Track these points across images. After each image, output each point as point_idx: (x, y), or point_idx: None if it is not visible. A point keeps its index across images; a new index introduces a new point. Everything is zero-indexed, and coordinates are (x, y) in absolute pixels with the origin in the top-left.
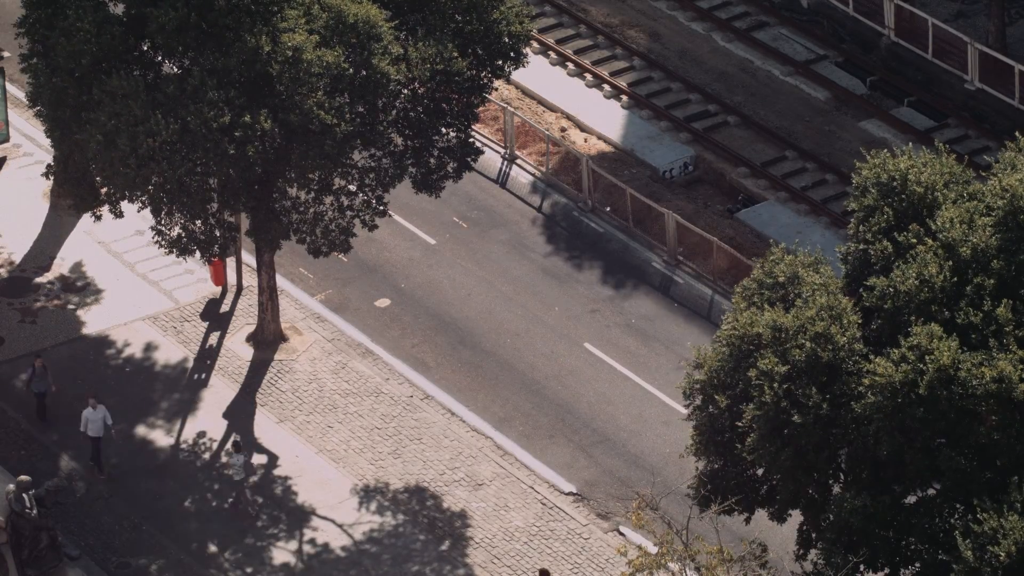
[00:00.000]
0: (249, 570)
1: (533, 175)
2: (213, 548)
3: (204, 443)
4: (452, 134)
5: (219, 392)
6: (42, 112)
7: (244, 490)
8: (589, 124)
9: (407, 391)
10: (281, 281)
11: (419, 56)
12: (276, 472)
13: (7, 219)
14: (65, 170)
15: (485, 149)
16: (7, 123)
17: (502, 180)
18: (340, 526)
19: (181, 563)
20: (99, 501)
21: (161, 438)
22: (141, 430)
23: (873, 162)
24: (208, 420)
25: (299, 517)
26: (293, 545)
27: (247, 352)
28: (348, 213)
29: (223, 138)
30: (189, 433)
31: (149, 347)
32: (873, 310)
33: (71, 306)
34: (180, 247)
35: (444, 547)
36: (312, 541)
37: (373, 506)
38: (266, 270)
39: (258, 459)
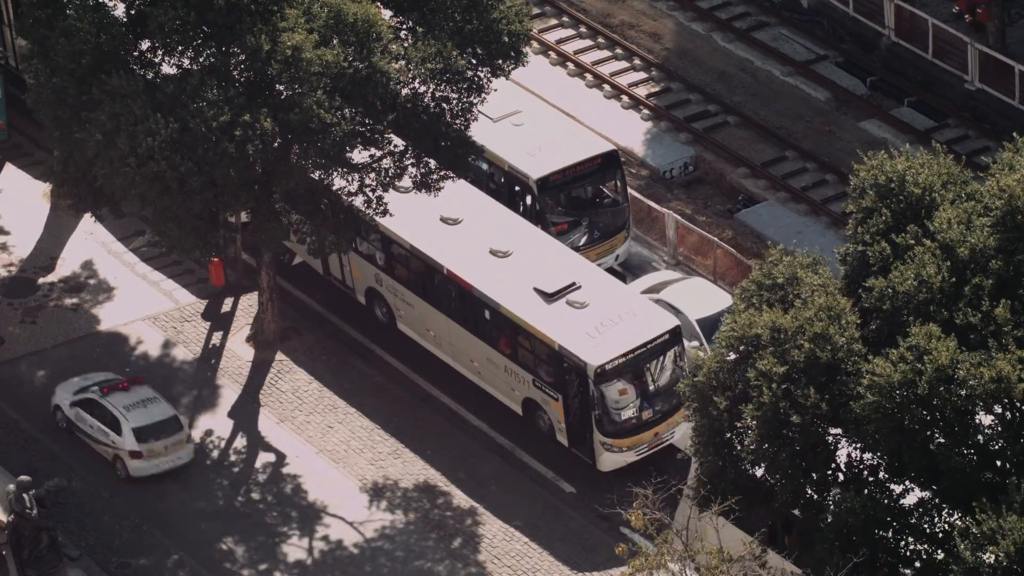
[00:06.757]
0: (263, 567)
1: None
2: (224, 547)
3: (209, 443)
4: (452, 133)
5: (220, 392)
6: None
7: None
8: (589, 124)
9: (407, 391)
10: (281, 281)
11: (419, 55)
12: (282, 471)
13: (8, 220)
14: (65, 170)
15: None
16: (7, 123)
17: None
18: (351, 524)
19: (183, 563)
20: (99, 501)
21: None
22: None
23: (871, 163)
24: (211, 420)
25: (309, 515)
26: (305, 543)
27: (248, 352)
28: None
29: (223, 137)
30: (191, 433)
31: (149, 347)
32: (872, 311)
33: (72, 306)
34: (182, 247)
35: (451, 546)
36: (325, 538)
37: (381, 504)
38: (266, 270)
39: (263, 458)
